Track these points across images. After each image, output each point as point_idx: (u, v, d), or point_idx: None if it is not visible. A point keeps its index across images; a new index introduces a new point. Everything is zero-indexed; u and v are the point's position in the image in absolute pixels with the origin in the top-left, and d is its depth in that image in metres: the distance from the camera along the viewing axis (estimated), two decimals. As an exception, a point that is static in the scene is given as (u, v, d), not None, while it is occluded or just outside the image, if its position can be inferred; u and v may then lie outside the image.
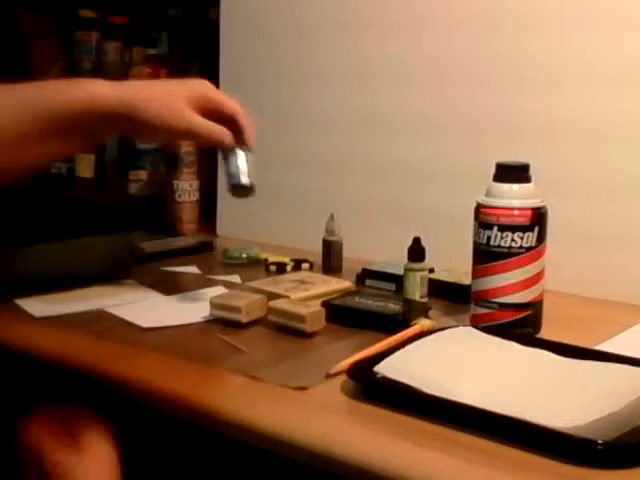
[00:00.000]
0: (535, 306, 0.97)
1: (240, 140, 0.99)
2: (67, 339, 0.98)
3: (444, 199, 1.31)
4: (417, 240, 1.11)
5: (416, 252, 1.11)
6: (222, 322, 1.02)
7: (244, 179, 0.99)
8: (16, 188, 0.99)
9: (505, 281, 0.96)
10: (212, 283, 1.21)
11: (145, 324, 1.01)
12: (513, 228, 0.95)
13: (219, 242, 1.50)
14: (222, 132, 0.96)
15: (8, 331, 1.00)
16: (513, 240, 0.95)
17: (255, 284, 1.17)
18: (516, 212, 0.95)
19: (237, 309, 1.01)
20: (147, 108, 0.91)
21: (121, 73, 1.89)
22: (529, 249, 0.95)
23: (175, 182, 1.54)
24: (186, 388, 0.83)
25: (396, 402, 0.78)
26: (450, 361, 0.84)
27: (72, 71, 2.12)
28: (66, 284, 1.14)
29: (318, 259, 1.32)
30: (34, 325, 1.03)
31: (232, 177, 0.99)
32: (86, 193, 1.81)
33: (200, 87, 0.97)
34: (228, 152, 0.99)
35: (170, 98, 0.93)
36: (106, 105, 0.88)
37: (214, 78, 1.60)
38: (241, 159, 0.98)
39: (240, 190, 1.00)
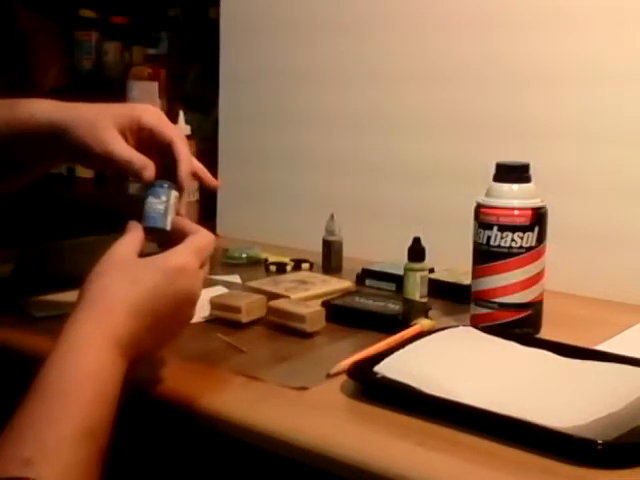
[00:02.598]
0: (535, 306, 0.97)
1: (171, 174, 0.85)
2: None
3: (444, 199, 1.31)
4: (417, 240, 1.11)
5: (416, 252, 1.11)
6: (222, 322, 1.02)
7: (155, 222, 0.82)
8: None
9: (505, 281, 0.96)
10: (212, 283, 1.21)
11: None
12: (513, 228, 0.95)
13: (219, 242, 1.48)
14: (141, 163, 0.83)
15: (8, 331, 1.00)
16: (513, 240, 0.95)
17: (255, 284, 1.17)
18: (516, 212, 0.95)
19: (237, 309, 1.01)
20: (72, 128, 0.85)
21: (121, 73, 1.89)
22: (529, 249, 0.95)
23: (175, 182, 1.54)
24: (186, 388, 0.83)
25: (396, 402, 0.78)
26: (450, 361, 0.84)
27: (72, 71, 2.12)
28: (66, 284, 1.14)
29: (318, 259, 1.31)
30: (34, 325, 1.03)
31: (144, 218, 0.82)
32: (86, 193, 1.81)
33: (136, 112, 0.86)
34: (148, 188, 0.84)
35: (97, 121, 0.84)
36: (37, 124, 0.86)
37: (214, 78, 1.60)
38: (158, 198, 0.83)
39: (151, 233, 0.82)
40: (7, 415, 0.66)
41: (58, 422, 0.65)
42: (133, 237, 0.80)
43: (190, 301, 0.79)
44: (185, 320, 0.80)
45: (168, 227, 0.83)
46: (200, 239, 0.81)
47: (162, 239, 0.83)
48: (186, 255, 0.78)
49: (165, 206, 0.83)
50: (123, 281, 0.74)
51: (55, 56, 2.14)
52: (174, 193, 0.84)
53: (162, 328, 0.77)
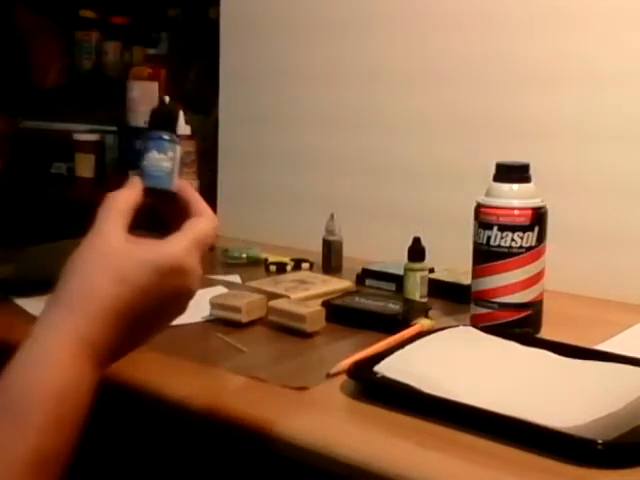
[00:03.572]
0: (535, 306, 0.97)
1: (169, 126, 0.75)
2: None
3: (444, 199, 1.31)
4: (417, 240, 1.11)
5: (416, 252, 1.11)
6: (222, 322, 1.02)
7: (161, 183, 0.71)
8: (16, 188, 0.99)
9: (505, 281, 0.96)
10: (212, 283, 1.21)
11: (145, 324, 1.01)
12: (513, 228, 0.95)
13: (219, 242, 1.50)
14: None
15: (8, 331, 1.00)
16: (513, 240, 0.95)
17: (255, 284, 1.17)
18: (516, 212, 0.95)
19: (237, 309, 1.01)
20: None
21: (121, 73, 1.89)
22: (529, 249, 0.95)
23: (175, 182, 1.54)
24: (186, 388, 0.83)
25: (396, 402, 0.78)
26: (450, 361, 0.84)
27: (72, 71, 2.12)
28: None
29: (318, 259, 1.31)
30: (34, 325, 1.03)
31: (146, 175, 0.71)
32: (86, 193, 1.81)
33: None
34: (149, 139, 0.72)
35: None
36: None
37: (214, 78, 1.60)
38: (164, 153, 0.71)
39: (152, 194, 0.71)
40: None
41: (7, 450, 0.56)
42: (127, 199, 0.68)
43: (183, 300, 0.68)
44: (174, 316, 0.69)
45: (174, 189, 0.71)
46: (203, 226, 0.69)
47: (164, 201, 0.71)
48: (185, 250, 0.66)
49: (172, 164, 0.71)
50: (106, 278, 0.63)
51: (55, 56, 2.14)
52: (179, 149, 0.72)
53: (146, 329, 0.67)
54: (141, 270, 0.64)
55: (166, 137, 0.72)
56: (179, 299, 0.67)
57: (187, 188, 0.72)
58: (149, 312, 0.65)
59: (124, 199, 0.68)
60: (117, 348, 0.64)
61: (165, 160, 0.71)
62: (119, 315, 0.62)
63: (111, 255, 0.64)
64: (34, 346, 0.60)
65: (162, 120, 0.75)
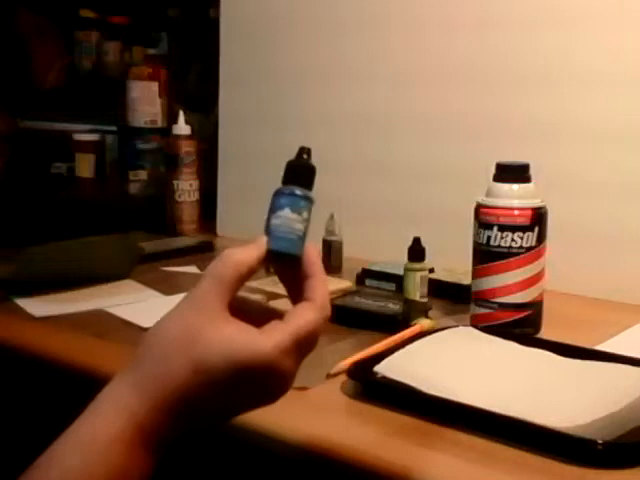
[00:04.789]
0: (535, 306, 0.97)
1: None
2: (67, 339, 0.98)
3: (444, 199, 1.31)
4: (417, 240, 1.11)
5: (416, 252, 1.10)
6: (222, 322, 1.02)
7: (290, 248, 0.63)
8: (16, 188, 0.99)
9: (505, 281, 0.96)
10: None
11: (145, 324, 1.01)
12: (513, 228, 0.95)
13: (219, 242, 1.50)
14: None
15: (8, 331, 1.00)
16: (513, 240, 0.95)
17: (255, 284, 1.16)
18: (516, 212, 0.95)
19: (237, 309, 1.01)
20: None
21: (121, 73, 1.89)
22: (529, 249, 0.95)
23: (175, 182, 1.54)
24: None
25: (396, 402, 0.78)
26: (450, 361, 0.84)
27: (72, 71, 2.12)
28: (66, 284, 1.14)
29: (318, 259, 1.31)
30: (34, 325, 1.03)
31: (274, 236, 0.64)
32: (86, 193, 1.81)
33: None
34: (282, 193, 0.66)
35: None
36: None
37: (214, 78, 1.60)
38: (299, 213, 0.65)
39: (277, 257, 0.63)
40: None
41: None
42: (245, 264, 0.63)
43: (267, 399, 0.61)
44: (254, 408, 0.61)
45: (301, 255, 0.62)
46: (311, 319, 0.61)
47: (286, 266, 0.63)
48: (283, 350, 0.58)
49: (304, 226, 0.63)
50: (186, 368, 0.56)
51: (55, 56, 2.14)
52: (312, 208, 0.65)
53: (213, 418, 0.61)
54: (229, 366, 0.57)
55: (303, 195, 0.65)
56: (262, 397, 0.61)
57: (313, 258, 0.63)
58: (220, 405, 0.59)
59: (241, 263, 0.62)
60: (176, 434, 0.60)
61: (299, 221, 0.64)
62: (188, 405, 0.57)
63: (201, 343, 0.57)
64: (90, 419, 0.58)
65: (300, 175, 0.66)
